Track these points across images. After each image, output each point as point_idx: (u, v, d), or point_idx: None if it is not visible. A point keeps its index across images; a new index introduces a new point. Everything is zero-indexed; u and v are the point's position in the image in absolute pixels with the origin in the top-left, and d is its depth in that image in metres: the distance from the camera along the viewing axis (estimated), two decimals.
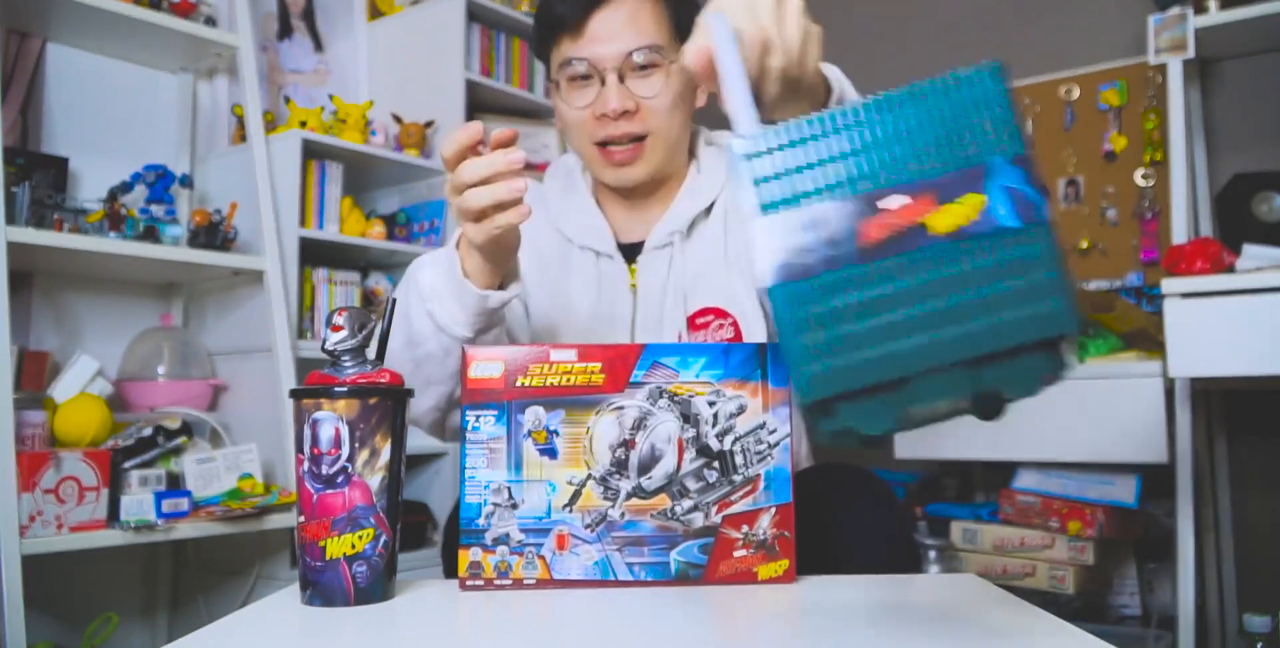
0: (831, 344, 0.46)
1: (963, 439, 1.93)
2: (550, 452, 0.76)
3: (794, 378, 0.46)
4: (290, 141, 2.03)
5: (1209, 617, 2.00)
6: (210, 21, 2.05)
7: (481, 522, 0.76)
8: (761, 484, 0.76)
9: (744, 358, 0.77)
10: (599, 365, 0.77)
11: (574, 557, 0.76)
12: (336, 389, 0.71)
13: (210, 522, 1.69)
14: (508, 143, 0.81)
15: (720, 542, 0.76)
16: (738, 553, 0.76)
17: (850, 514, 0.99)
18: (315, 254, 2.10)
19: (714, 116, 1.26)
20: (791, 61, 0.64)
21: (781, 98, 0.69)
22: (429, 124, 2.32)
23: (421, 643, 0.63)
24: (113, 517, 1.60)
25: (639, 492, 0.76)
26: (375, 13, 2.57)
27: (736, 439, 0.77)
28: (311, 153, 2.08)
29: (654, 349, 0.77)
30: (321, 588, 0.70)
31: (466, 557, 0.75)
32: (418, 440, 1.46)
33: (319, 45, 2.48)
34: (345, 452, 0.70)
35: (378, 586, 0.72)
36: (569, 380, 0.77)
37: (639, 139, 1.06)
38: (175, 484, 1.71)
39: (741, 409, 0.77)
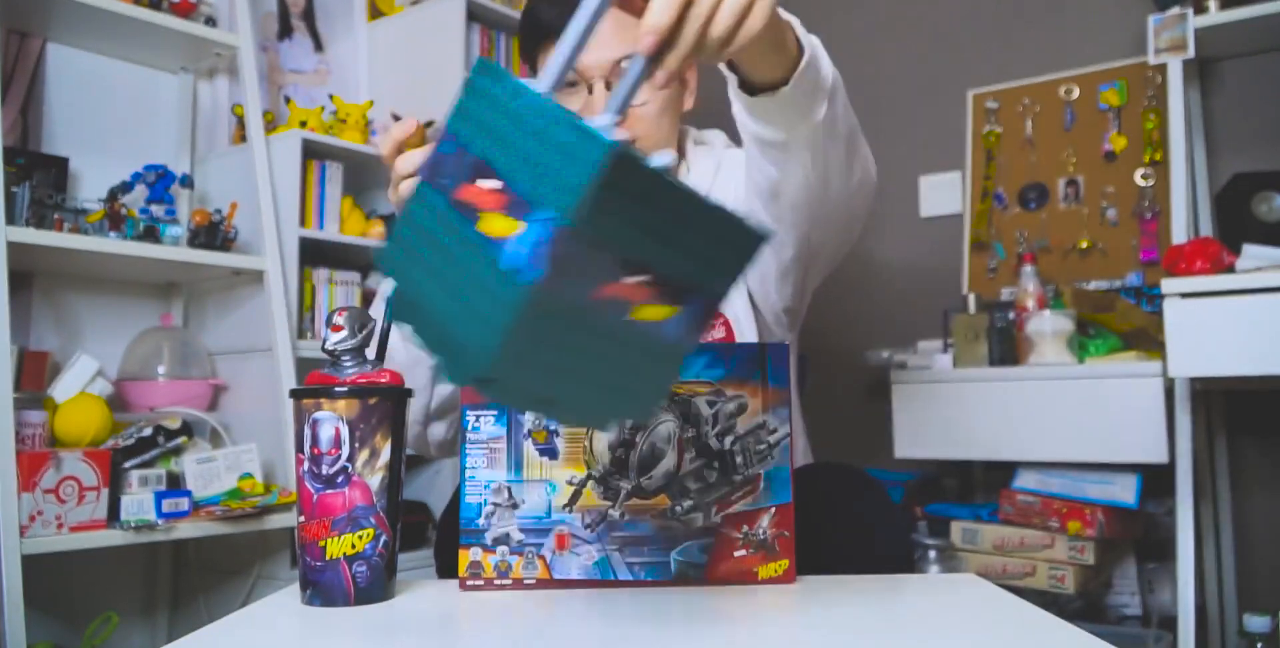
0: (409, 244, 0.54)
1: (963, 439, 1.93)
2: (550, 452, 0.76)
3: (478, 355, 0.50)
4: (290, 141, 2.03)
5: (1209, 617, 2.00)
6: (210, 21, 2.05)
7: (481, 522, 0.76)
8: (761, 484, 0.77)
9: (744, 358, 0.77)
10: None
11: (574, 557, 0.76)
12: (336, 389, 0.71)
13: (210, 522, 1.69)
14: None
15: (720, 542, 0.76)
16: (738, 553, 0.76)
17: (844, 514, 0.99)
18: (315, 254, 2.10)
19: (702, 117, 1.26)
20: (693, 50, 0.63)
21: (734, 56, 0.67)
22: (429, 124, 2.32)
23: (421, 643, 0.63)
24: (113, 517, 1.60)
25: (639, 492, 0.76)
26: (375, 13, 2.57)
27: (736, 439, 0.77)
28: (312, 153, 2.08)
29: None
30: (322, 588, 0.70)
31: (466, 557, 0.75)
32: None
33: (319, 45, 2.48)
34: (345, 452, 0.70)
35: (378, 586, 0.72)
36: None
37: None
38: (175, 484, 1.71)
39: (741, 409, 0.77)
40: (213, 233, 1.87)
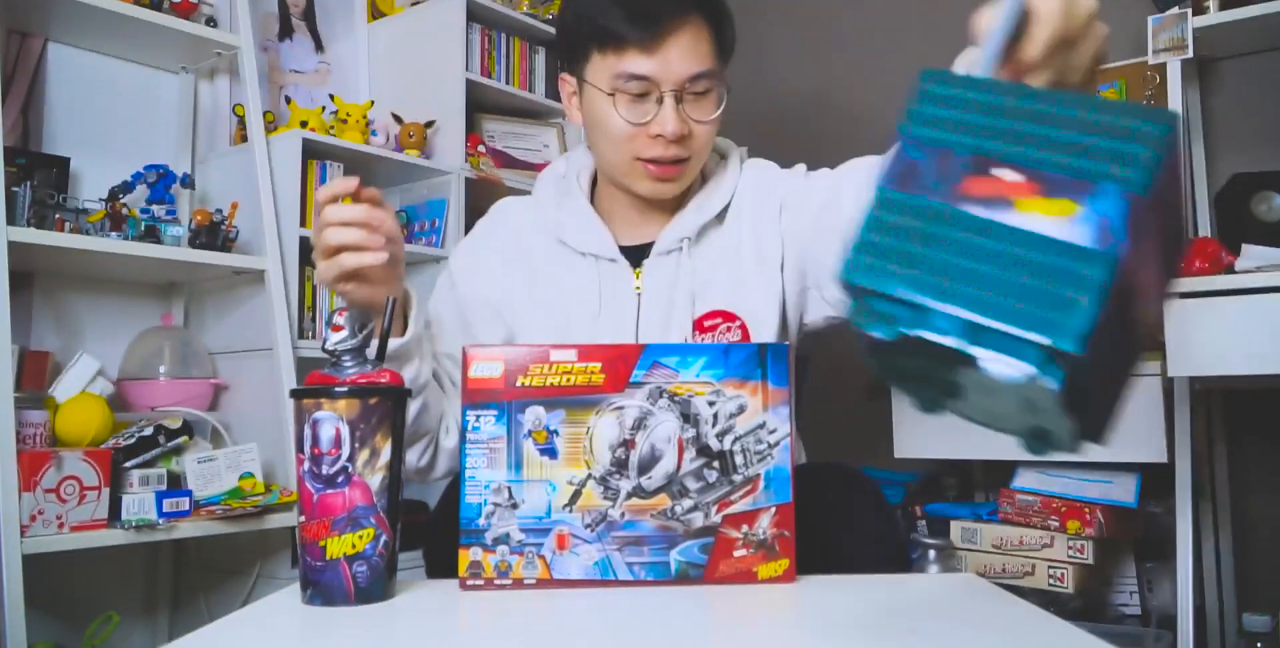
0: (886, 249, 0.53)
1: (963, 439, 1.93)
2: (550, 452, 0.76)
3: (845, 258, 0.52)
4: (291, 141, 2.03)
5: (1209, 617, 2.00)
6: (211, 22, 2.05)
7: (482, 522, 0.76)
8: (761, 484, 0.77)
9: (744, 358, 0.77)
10: (599, 365, 0.77)
11: (574, 557, 0.76)
12: (337, 389, 0.72)
13: (211, 521, 1.69)
14: (376, 201, 0.90)
15: (720, 542, 0.76)
16: (738, 553, 0.76)
17: (839, 514, 1.00)
18: None
19: (761, 139, 1.24)
20: (1058, 34, 0.63)
21: (1046, 75, 0.67)
22: (429, 124, 2.32)
23: (421, 643, 0.64)
24: (114, 516, 1.60)
25: (639, 492, 0.76)
26: (375, 13, 2.57)
27: (736, 439, 0.77)
28: (312, 153, 2.08)
29: (654, 349, 0.77)
30: (322, 588, 0.71)
31: (466, 557, 0.75)
32: None
33: (319, 45, 2.48)
34: (345, 452, 0.70)
35: (378, 585, 0.72)
36: (569, 380, 0.77)
37: (684, 160, 1.08)
38: (176, 484, 1.72)
39: (741, 409, 0.77)
40: (213, 233, 1.87)
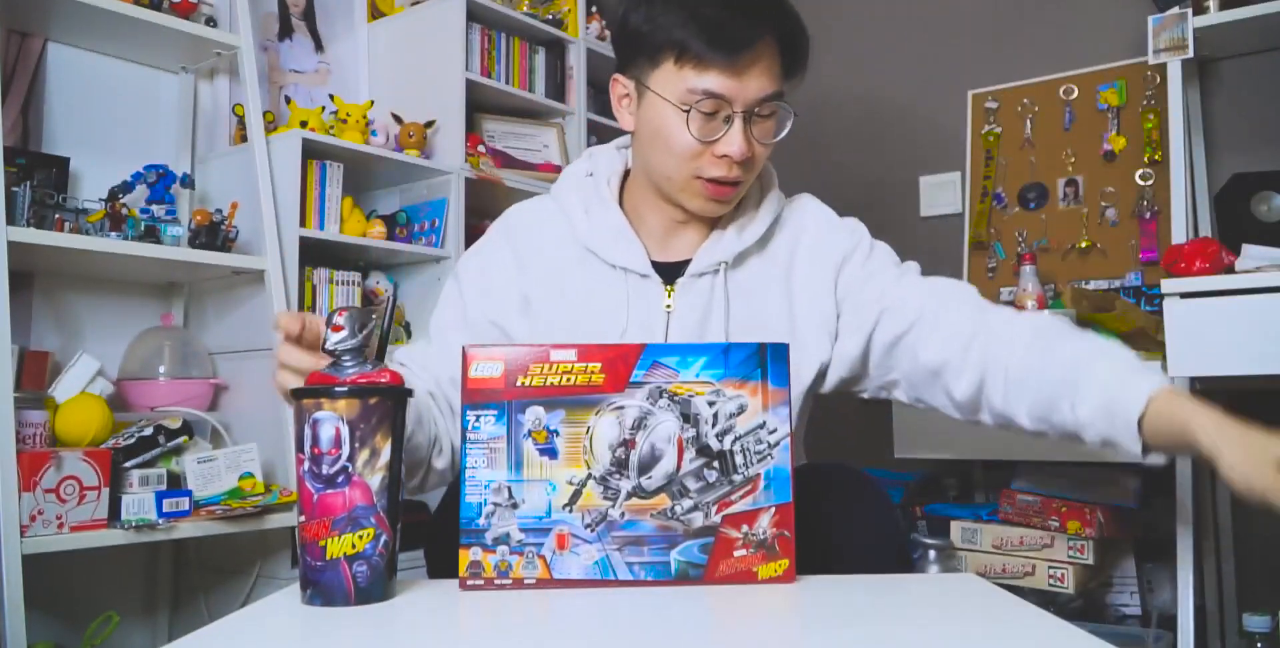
0: None
1: (963, 439, 1.93)
2: (550, 451, 0.76)
3: None
4: (290, 141, 2.03)
5: (1209, 617, 2.00)
6: (211, 21, 2.05)
7: (481, 522, 0.76)
8: (761, 484, 0.77)
9: (744, 358, 0.77)
10: (599, 365, 0.77)
11: (574, 556, 0.76)
12: (337, 389, 0.72)
13: (211, 521, 1.69)
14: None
15: (720, 541, 0.76)
16: (738, 553, 0.76)
17: (842, 514, 1.00)
18: (316, 254, 2.10)
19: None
20: None
21: None
22: (429, 124, 2.32)
23: (421, 643, 0.64)
24: (113, 516, 1.60)
25: (639, 491, 0.76)
26: (375, 13, 2.57)
27: (736, 439, 0.77)
28: (312, 153, 2.08)
29: (654, 349, 0.77)
30: (322, 588, 0.71)
31: (466, 557, 0.75)
32: None
33: (319, 45, 2.48)
34: (345, 451, 0.71)
35: (378, 585, 0.72)
36: (569, 380, 0.77)
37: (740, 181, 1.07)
38: (176, 484, 1.71)
39: (741, 409, 0.77)
40: (213, 233, 1.87)
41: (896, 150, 2.67)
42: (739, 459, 0.77)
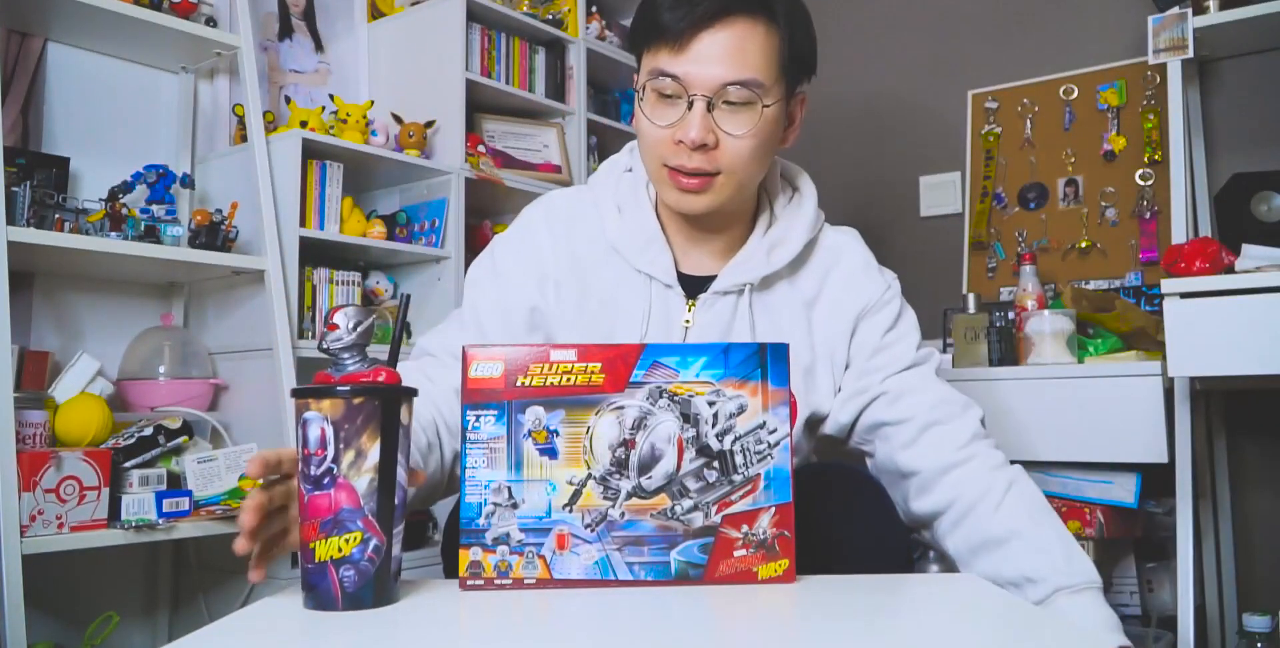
0: None
1: None
2: (550, 451, 0.76)
3: None
4: (290, 141, 2.03)
5: (1209, 617, 2.00)
6: (211, 21, 2.05)
7: (481, 522, 0.76)
8: (761, 484, 0.77)
9: (744, 358, 0.77)
10: (599, 365, 0.77)
11: (574, 557, 0.76)
12: (320, 389, 0.71)
13: (211, 521, 1.69)
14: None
15: (720, 542, 0.76)
16: (738, 553, 0.76)
17: (842, 514, 1.00)
18: (315, 254, 2.10)
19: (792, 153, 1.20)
20: None
21: None
22: (429, 124, 2.32)
23: (421, 643, 0.63)
24: (113, 516, 1.60)
25: (639, 491, 0.76)
26: (375, 13, 2.57)
27: (736, 439, 0.77)
28: (312, 153, 2.08)
29: (654, 349, 0.77)
30: (316, 591, 0.70)
31: (466, 557, 0.75)
32: None
33: (319, 45, 2.48)
34: (330, 453, 0.69)
35: (367, 591, 0.70)
36: (569, 380, 0.77)
37: (710, 174, 1.01)
38: (176, 484, 1.72)
39: (741, 409, 0.77)
40: (213, 233, 1.87)
41: (896, 150, 2.67)
42: (739, 459, 0.77)
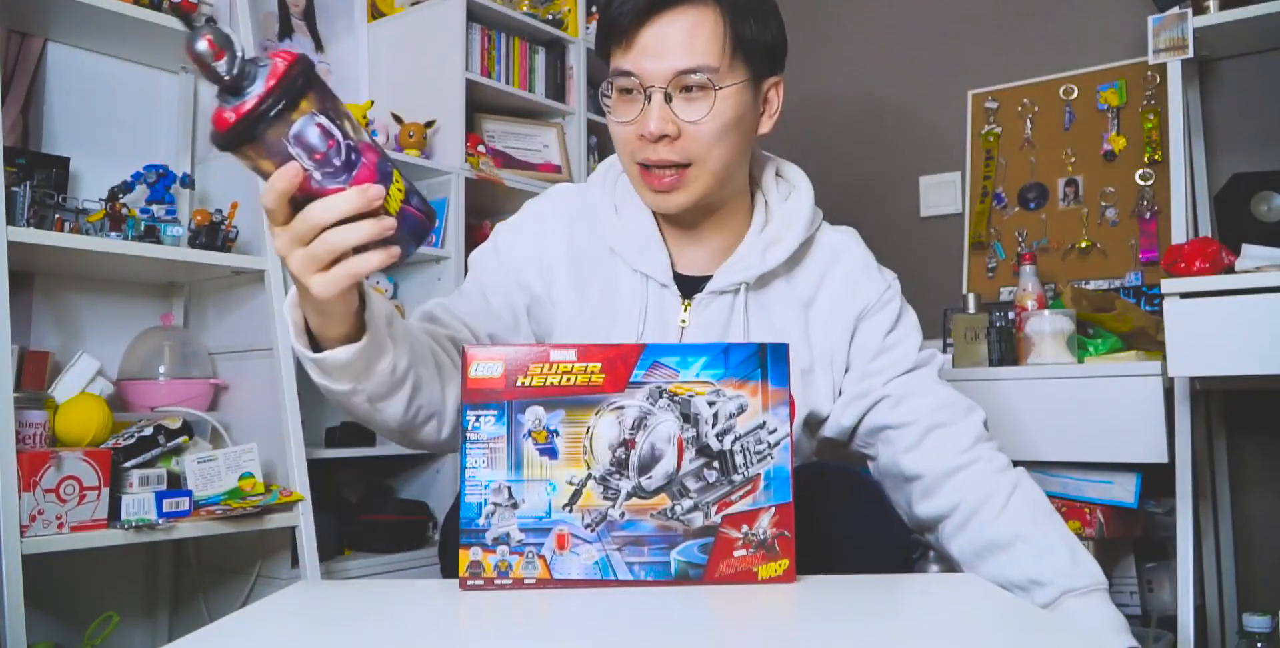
0: None
1: None
2: (550, 451, 0.76)
3: None
4: None
5: (1209, 617, 2.00)
6: (211, 22, 2.05)
7: (481, 522, 0.76)
8: (761, 484, 0.77)
9: (744, 358, 0.77)
10: (599, 365, 0.77)
11: (574, 557, 0.76)
12: (284, 100, 0.67)
13: (211, 521, 1.69)
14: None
15: (720, 542, 0.76)
16: (738, 553, 0.76)
17: (842, 514, 1.00)
18: None
19: (760, 140, 1.20)
20: None
21: None
22: (429, 124, 2.32)
23: (421, 643, 0.64)
24: (113, 516, 1.60)
25: (639, 491, 0.76)
26: (375, 13, 2.57)
27: (736, 439, 0.77)
28: None
29: (654, 349, 0.77)
30: (417, 234, 0.75)
31: (466, 557, 0.75)
32: None
33: (319, 45, 2.48)
34: (338, 134, 0.70)
35: (431, 201, 0.77)
36: (569, 380, 0.77)
37: (681, 166, 1.00)
38: (176, 484, 1.71)
39: (741, 409, 0.77)
40: (213, 233, 1.87)
41: (896, 150, 2.67)
42: (739, 459, 0.77)
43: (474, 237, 2.38)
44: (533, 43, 2.59)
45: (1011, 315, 2.02)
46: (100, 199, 1.80)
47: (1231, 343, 1.57)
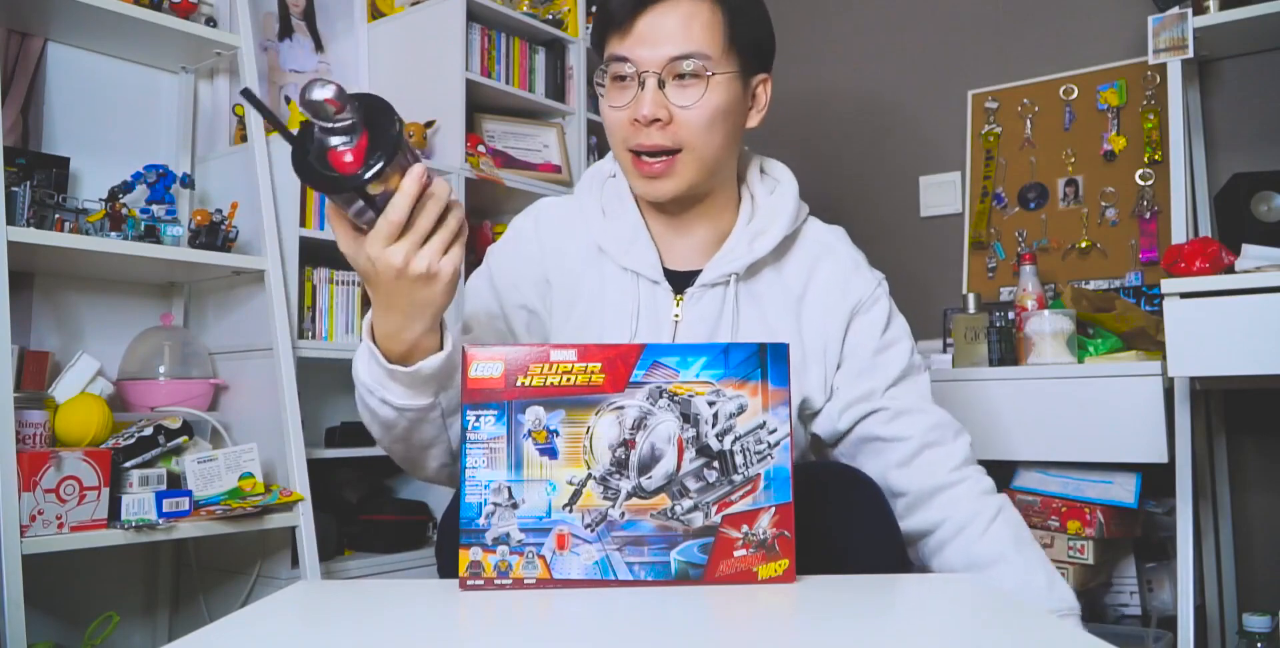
0: None
1: None
2: (550, 451, 0.76)
3: None
4: None
5: (1209, 617, 2.00)
6: (211, 21, 2.05)
7: (481, 522, 0.76)
8: (761, 484, 0.77)
9: (744, 358, 0.77)
10: (599, 365, 0.77)
11: (574, 557, 0.76)
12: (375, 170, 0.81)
13: (211, 521, 1.69)
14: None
15: (720, 542, 0.76)
16: (738, 553, 0.76)
17: (842, 514, 1.00)
18: (316, 254, 2.10)
19: (760, 140, 1.20)
20: None
21: None
22: (429, 124, 2.32)
23: (421, 643, 0.64)
24: (113, 516, 1.60)
25: (639, 492, 0.76)
26: (375, 13, 2.57)
27: (736, 439, 0.77)
28: None
29: (654, 349, 0.77)
30: None
31: (466, 557, 0.75)
32: None
33: (319, 45, 2.48)
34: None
35: None
36: (569, 380, 0.77)
37: (672, 152, 1.02)
38: (176, 484, 1.72)
39: (741, 409, 0.77)
40: (213, 233, 1.87)
41: (896, 150, 2.67)
42: (739, 459, 0.77)
43: (474, 237, 2.38)
44: (533, 43, 2.59)
45: (1011, 315, 2.02)
46: (100, 199, 1.80)
47: (1231, 343, 1.57)
